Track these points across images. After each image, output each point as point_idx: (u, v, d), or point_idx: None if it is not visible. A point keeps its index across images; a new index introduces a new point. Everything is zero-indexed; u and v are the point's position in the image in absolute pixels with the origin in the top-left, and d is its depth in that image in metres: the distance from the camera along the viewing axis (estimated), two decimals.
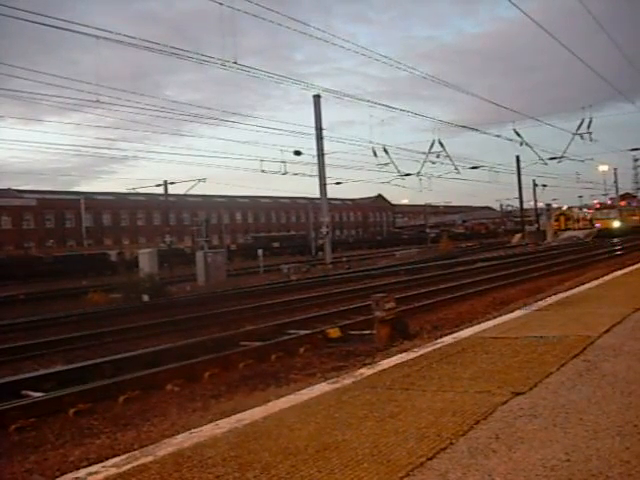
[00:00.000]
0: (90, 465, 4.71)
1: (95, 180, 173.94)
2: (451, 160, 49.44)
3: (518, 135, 49.48)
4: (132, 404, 9.46)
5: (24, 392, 10.14)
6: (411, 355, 7.92)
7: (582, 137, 48.76)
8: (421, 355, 7.86)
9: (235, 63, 27.67)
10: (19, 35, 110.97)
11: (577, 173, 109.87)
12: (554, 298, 13.12)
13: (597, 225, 78.34)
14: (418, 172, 50.60)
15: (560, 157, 56.44)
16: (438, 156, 48.03)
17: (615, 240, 64.19)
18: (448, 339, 8.96)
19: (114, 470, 4.32)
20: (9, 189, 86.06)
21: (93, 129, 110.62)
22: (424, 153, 48.68)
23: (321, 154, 45.94)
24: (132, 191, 68.76)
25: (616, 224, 76.59)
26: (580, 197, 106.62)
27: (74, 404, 9.19)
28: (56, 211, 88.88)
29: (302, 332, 14.43)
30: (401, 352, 8.57)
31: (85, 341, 15.52)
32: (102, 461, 4.74)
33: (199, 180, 57.26)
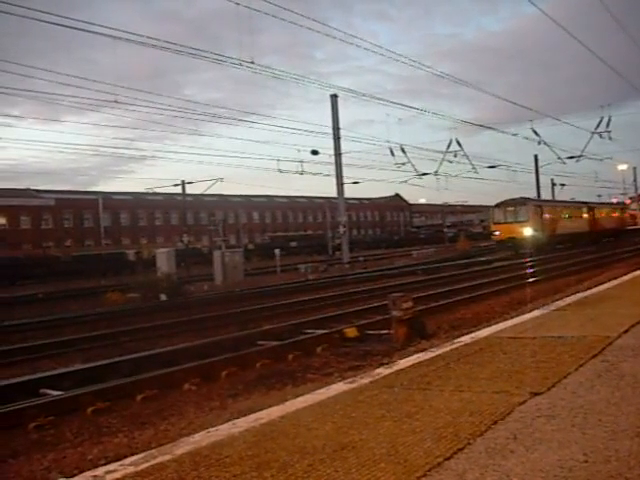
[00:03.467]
0: (108, 463, 4.73)
1: (113, 180, 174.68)
2: (469, 159, 48.81)
3: (536, 134, 48.84)
4: (150, 403, 9.49)
5: (43, 391, 10.20)
6: (428, 355, 7.91)
7: (601, 136, 48.34)
8: (438, 355, 7.83)
9: (252, 63, 27.66)
10: (38, 35, 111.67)
11: (596, 172, 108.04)
12: (572, 298, 13.05)
13: (496, 233, 50.27)
14: (435, 171, 50.28)
15: (579, 156, 55.90)
16: (455, 155, 47.72)
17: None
18: (466, 339, 8.93)
19: (132, 469, 4.34)
20: (28, 189, 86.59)
21: (111, 129, 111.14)
22: (442, 152, 48.28)
23: (338, 153, 45.91)
24: (150, 191, 68.97)
25: (528, 232, 47.71)
26: (599, 196, 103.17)
27: (92, 403, 9.23)
28: (74, 211, 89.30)
29: (319, 332, 14.43)
30: (418, 352, 8.55)
31: (103, 340, 15.59)
32: (120, 459, 4.76)
33: (217, 180, 57.40)
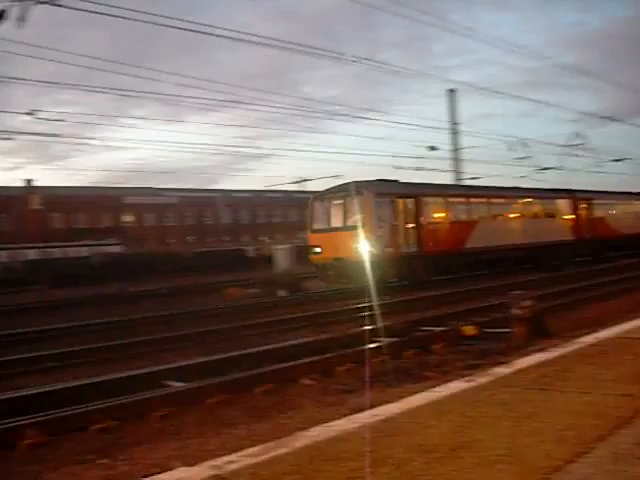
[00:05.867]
0: (228, 454, 4.83)
1: (234, 178, 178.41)
2: (593, 152, 46.70)
3: None
4: (268, 396, 9.63)
5: (165, 382, 10.52)
6: (549, 355, 7.70)
7: None
8: (560, 355, 7.62)
9: (367, 59, 27.64)
10: (163, 38, 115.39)
11: None
12: None
13: (316, 250, 27.04)
14: (557, 166, 48.46)
15: None
16: (579, 148, 45.93)
17: None
18: (589, 339, 8.65)
19: (251, 460, 4.42)
20: (151, 187, 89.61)
21: (232, 128, 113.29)
22: (564, 146, 46.57)
23: (456, 149, 45.36)
24: (269, 188, 69.93)
25: (363, 247, 24.64)
26: None
27: (213, 395, 9.46)
28: (196, 208, 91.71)
29: (436, 329, 14.29)
30: (539, 351, 8.34)
31: (224, 334, 15.94)
32: (239, 451, 4.86)
33: (334, 177, 57.66)
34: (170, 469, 4.86)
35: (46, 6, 17.02)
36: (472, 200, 32.17)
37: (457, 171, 45.68)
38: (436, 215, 29.74)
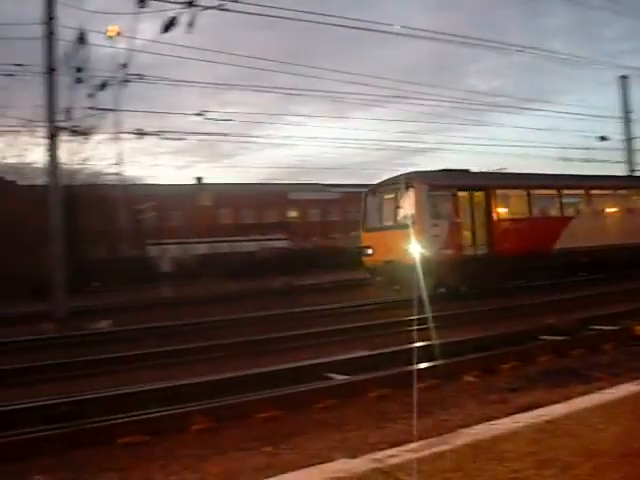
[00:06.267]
0: (389, 448, 4.83)
1: (397, 173, 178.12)
2: None
3: None
4: (430, 393, 9.55)
5: (327, 374, 10.69)
6: None
7: None
8: None
9: (532, 48, 26.85)
10: (326, 36, 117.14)
11: None
12: None
13: (368, 252, 23.96)
14: None
15: None
16: None
17: None
18: None
19: (411, 455, 4.40)
20: (316, 183, 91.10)
21: (395, 123, 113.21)
22: None
23: (629, 139, 43.23)
24: None
25: (414, 249, 20.80)
26: None
27: (374, 389, 9.50)
28: (359, 203, 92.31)
29: (606, 328, 13.70)
30: None
31: (384, 329, 16.00)
32: (400, 445, 4.85)
33: (500, 169, 56.44)
34: (332, 460, 4.92)
35: (213, 11, 17.73)
36: (566, 192, 27.17)
37: (630, 162, 43.53)
38: (514, 210, 25.52)
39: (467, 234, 23.26)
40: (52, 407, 9.08)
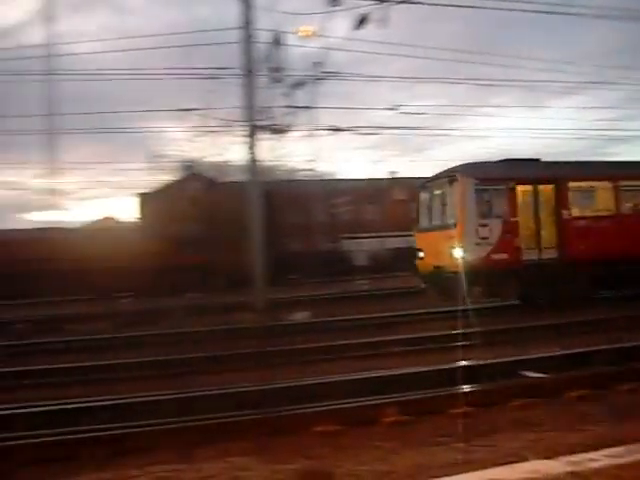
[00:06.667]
0: (587, 452, 4.60)
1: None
2: None
3: None
4: (635, 395, 9.04)
5: (522, 372, 10.40)
6: None
7: None
8: None
9: None
10: (519, 24, 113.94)
11: None
12: None
13: (420, 255, 20.75)
14: None
15: None
16: None
17: None
18: None
19: (613, 460, 4.18)
20: None
21: (595, 110, 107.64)
22: None
23: None
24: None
25: (457, 253, 18.30)
26: None
27: (573, 388, 9.12)
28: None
29: None
30: None
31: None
32: (599, 450, 4.61)
33: None
34: (525, 460, 4.77)
35: (406, 5, 17.65)
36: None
37: None
38: (595, 206, 21.16)
39: (528, 235, 19.78)
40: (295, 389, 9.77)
